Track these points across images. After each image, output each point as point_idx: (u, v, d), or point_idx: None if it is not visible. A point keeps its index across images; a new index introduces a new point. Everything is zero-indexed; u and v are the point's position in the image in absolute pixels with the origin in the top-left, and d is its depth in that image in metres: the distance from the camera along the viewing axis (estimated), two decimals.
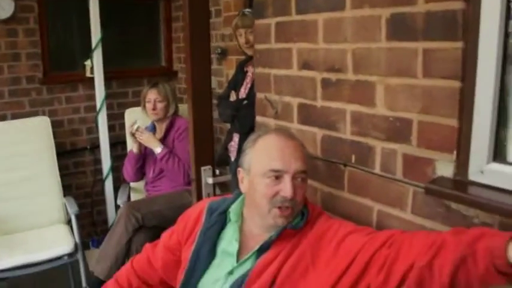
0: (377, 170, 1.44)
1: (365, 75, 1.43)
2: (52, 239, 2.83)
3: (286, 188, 1.31)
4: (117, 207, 3.59)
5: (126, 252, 2.65)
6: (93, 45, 3.36)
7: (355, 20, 1.44)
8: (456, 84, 1.20)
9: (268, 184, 1.33)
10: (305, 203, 1.40)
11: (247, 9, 2.79)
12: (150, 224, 2.75)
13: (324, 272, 1.27)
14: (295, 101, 1.72)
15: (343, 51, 1.49)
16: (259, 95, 1.90)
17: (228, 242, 1.43)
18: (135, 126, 3.04)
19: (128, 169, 3.17)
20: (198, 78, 1.85)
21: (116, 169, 3.58)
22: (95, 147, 3.66)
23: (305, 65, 1.65)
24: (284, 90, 1.76)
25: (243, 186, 1.44)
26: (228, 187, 2.60)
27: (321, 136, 1.63)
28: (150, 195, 3.11)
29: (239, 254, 1.39)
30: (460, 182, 1.22)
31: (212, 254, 1.43)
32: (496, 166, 1.17)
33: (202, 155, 1.91)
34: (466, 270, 1.06)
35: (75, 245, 2.77)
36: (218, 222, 1.46)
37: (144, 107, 3.18)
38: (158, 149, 2.99)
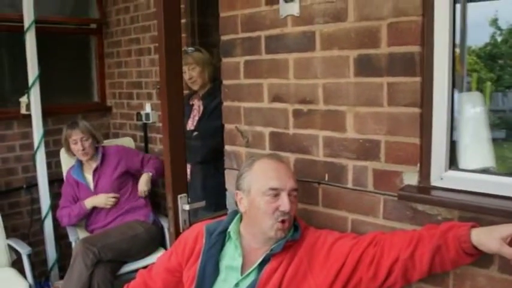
0: (349, 185, 1.70)
1: (335, 105, 1.70)
2: (2, 283, 2.72)
3: (284, 203, 1.52)
4: (57, 246, 3.55)
5: None
6: (30, 82, 3.32)
7: (325, 59, 1.71)
8: (416, 110, 1.50)
9: (268, 201, 1.53)
10: (295, 218, 1.62)
11: (190, 48, 2.99)
12: (107, 258, 2.77)
13: (320, 274, 1.50)
14: (266, 130, 1.94)
15: (313, 85, 1.75)
16: (228, 126, 2.10)
17: (231, 257, 1.60)
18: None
19: (72, 221, 3.17)
20: (172, 111, 2.00)
21: (53, 208, 3.52)
22: (32, 186, 3.56)
23: (276, 98, 1.88)
24: (255, 121, 1.98)
25: (242, 206, 1.62)
26: None
27: (294, 159, 1.87)
28: (99, 231, 3.11)
29: (242, 268, 1.57)
30: (424, 188, 1.51)
31: (217, 271, 1.59)
32: (452, 173, 1.49)
33: (178, 183, 2.05)
34: (440, 256, 1.36)
35: (30, 286, 2.70)
36: (218, 241, 1.63)
37: (69, 149, 3.23)
38: (150, 174, 3.24)
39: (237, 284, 1.55)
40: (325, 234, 1.59)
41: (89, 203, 3.12)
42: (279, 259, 1.53)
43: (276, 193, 1.53)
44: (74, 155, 3.23)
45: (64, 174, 3.38)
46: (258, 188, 1.56)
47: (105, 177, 3.16)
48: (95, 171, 3.19)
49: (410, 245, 1.40)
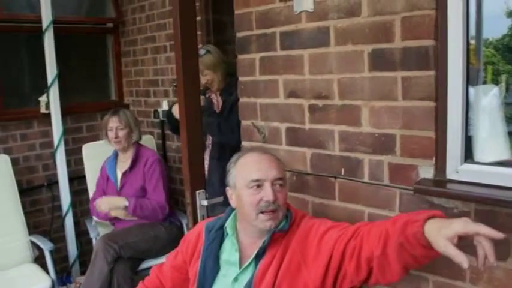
0: (366, 179, 1.72)
1: (350, 100, 1.72)
2: (26, 279, 2.79)
3: (267, 193, 1.52)
4: (77, 243, 3.62)
5: (109, 285, 2.70)
6: (49, 81, 3.39)
7: (339, 54, 1.72)
8: (431, 103, 1.51)
9: (252, 193, 1.53)
10: (288, 208, 1.61)
11: (200, 50, 2.92)
12: (126, 255, 2.80)
13: (313, 266, 1.47)
14: (283, 126, 1.96)
15: (329, 80, 1.77)
16: (245, 122, 2.12)
17: (229, 253, 1.61)
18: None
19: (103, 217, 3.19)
20: (190, 108, 2.04)
21: (74, 205, 3.60)
22: (52, 183, 3.64)
23: (292, 94, 1.90)
24: (271, 117, 2.00)
25: (233, 202, 1.64)
26: None
27: (310, 154, 1.89)
28: (120, 227, 3.15)
29: (240, 262, 1.58)
30: (440, 181, 1.52)
31: (217, 266, 1.61)
32: (468, 166, 1.49)
33: (196, 179, 2.09)
34: (407, 253, 1.25)
35: (52, 281, 2.77)
36: (217, 237, 1.65)
37: (106, 135, 3.20)
38: (126, 203, 2.99)
39: (236, 279, 1.56)
40: (318, 224, 1.55)
41: (113, 212, 3.09)
42: (272, 252, 1.53)
43: (258, 184, 1.53)
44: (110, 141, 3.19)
45: (94, 168, 3.37)
46: (241, 182, 1.57)
47: (131, 184, 3.11)
48: (124, 173, 3.14)
49: (380, 242, 1.32)
